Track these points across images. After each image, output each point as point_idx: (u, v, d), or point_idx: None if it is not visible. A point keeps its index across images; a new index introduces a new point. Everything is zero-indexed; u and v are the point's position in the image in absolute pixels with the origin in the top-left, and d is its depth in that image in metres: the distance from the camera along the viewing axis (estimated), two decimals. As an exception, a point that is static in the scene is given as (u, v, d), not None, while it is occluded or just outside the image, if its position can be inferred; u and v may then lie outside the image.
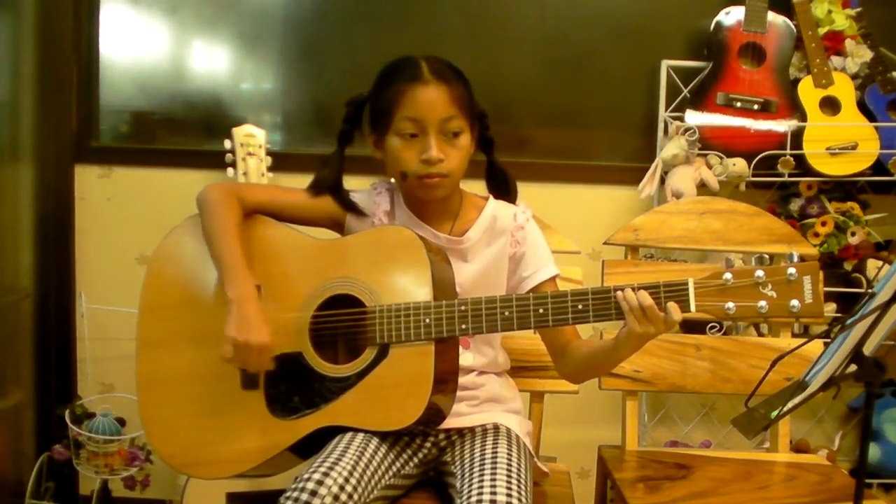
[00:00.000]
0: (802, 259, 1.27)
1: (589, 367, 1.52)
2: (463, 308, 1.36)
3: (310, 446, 1.38)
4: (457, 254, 1.50)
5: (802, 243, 1.81)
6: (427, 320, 1.36)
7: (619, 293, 1.30)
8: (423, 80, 1.41)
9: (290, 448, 1.40)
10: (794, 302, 1.25)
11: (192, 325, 1.49)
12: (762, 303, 1.26)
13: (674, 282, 1.29)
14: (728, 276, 1.27)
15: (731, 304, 1.27)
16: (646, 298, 1.28)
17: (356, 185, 1.58)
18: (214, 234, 1.46)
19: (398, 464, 1.42)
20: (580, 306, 1.33)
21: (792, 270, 1.25)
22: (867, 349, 1.17)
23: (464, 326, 1.36)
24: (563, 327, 1.47)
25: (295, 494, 1.23)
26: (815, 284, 1.25)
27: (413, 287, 1.38)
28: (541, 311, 1.34)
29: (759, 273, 1.26)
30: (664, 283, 1.29)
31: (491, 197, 1.57)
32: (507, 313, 1.35)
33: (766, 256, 1.26)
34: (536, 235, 1.55)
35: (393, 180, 1.55)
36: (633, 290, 1.29)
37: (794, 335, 1.79)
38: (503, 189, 1.58)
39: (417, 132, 1.42)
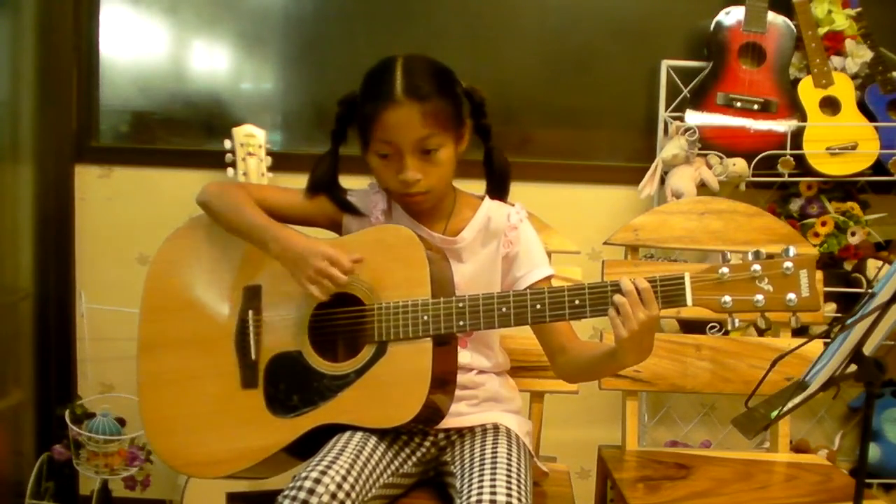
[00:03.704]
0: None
1: (590, 373, 1.53)
2: (461, 305, 1.36)
3: (308, 447, 1.38)
4: (452, 254, 1.49)
5: (802, 243, 1.81)
6: (425, 317, 1.36)
7: (617, 283, 1.29)
8: (394, 102, 1.37)
9: (288, 447, 1.40)
10: (791, 295, 1.24)
11: (192, 326, 1.49)
12: (759, 296, 1.25)
13: (670, 276, 1.29)
14: (724, 270, 1.27)
15: (727, 298, 1.26)
16: (642, 282, 1.28)
17: (354, 185, 1.58)
18: (233, 210, 1.47)
19: (397, 462, 1.42)
20: (577, 301, 1.32)
21: (788, 264, 1.25)
22: (867, 349, 1.17)
23: (461, 323, 1.36)
24: (560, 327, 1.46)
25: (293, 493, 1.23)
26: (812, 278, 1.25)
27: (412, 285, 1.38)
28: (538, 306, 1.34)
29: (756, 267, 1.26)
30: (661, 277, 1.29)
31: (487, 196, 1.56)
32: (504, 309, 1.35)
33: (763, 251, 1.26)
34: (531, 236, 1.54)
35: None
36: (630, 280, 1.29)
37: (793, 334, 1.79)
38: (497, 180, 1.56)
39: (393, 152, 1.41)
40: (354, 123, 1.47)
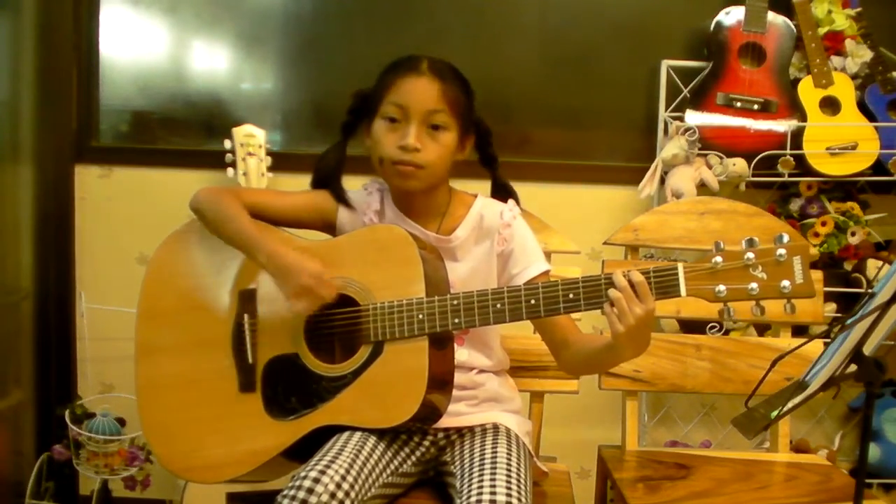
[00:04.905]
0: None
1: (592, 366, 1.54)
2: (455, 302, 1.36)
3: (307, 449, 1.38)
4: (446, 253, 1.49)
5: (802, 242, 1.81)
6: (420, 316, 1.36)
7: (611, 277, 1.29)
8: (417, 72, 1.43)
9: (288, 450, 1.40)
10: (785, 282, 1.24)
11: (190, 329, 1.49)
12: (753, 284, 1.25)
13: (664, 267, 1.29)
14: (718, 259, 1.26)
15: (721, 287, 1.26)
16: (636, 275, 1.28)
17: (355, 186, 1.58)
18: (224, 220, 1.47)
19: (396, 462, 1.42)
20: (571, 295, 1.32)
21: (781, 251, 1.24)
22: (867, 349, 1.17)
23: (456, 320, 1.36)
24: (561, 321, 1.46)
25: (292, 493, 1.23)
26: (805, 265, 1.25)
27: (406, 284, 1.38)
28: (532, 302, 1.34)
29: (749, 255, 1.25)
30: (654, 268, 1.29)
31: (479, 194, 1.57)
32: (498, 306, 1.35)
33: (756, 239, 1.26)
34: (525, 232, 1.54)
35: (382, 180, 1.55)
36: (623, 274, 1.29)
37: (793, 334, 1.79)
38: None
39: (401, 118, 1.43)
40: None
